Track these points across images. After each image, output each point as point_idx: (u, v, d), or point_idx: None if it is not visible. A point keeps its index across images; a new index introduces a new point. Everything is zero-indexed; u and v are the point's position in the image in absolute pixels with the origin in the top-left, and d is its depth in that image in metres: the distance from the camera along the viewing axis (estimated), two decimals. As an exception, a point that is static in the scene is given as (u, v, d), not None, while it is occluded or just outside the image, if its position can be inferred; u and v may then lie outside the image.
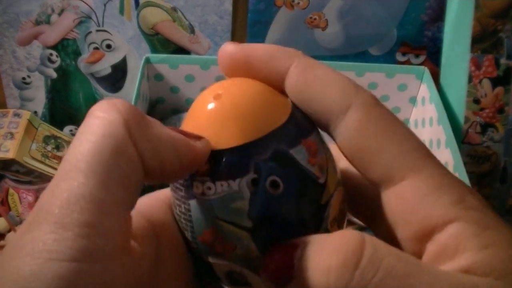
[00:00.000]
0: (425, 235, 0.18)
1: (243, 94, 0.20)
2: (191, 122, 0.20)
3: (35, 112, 0.75)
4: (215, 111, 0.19)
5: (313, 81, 0.19)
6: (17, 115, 0.70)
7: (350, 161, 0.20)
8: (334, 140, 0.20)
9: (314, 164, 0.19)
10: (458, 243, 0.17)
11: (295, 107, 0.20)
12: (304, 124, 0.20)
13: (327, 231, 0.20)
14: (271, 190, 0.19)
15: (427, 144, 0.62)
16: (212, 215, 0.19)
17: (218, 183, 0.19)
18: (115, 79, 0.74)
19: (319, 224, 0.20)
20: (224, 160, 0.19)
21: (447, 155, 0.55)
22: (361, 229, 0.63)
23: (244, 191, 0.19)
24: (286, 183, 0.19)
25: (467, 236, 0.17)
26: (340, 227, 0.21)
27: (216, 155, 0.19)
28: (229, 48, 0.20)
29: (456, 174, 0.53)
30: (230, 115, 0.19)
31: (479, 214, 0.17)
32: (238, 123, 0.19)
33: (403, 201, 0.18)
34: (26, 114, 0.70)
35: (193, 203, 0.19)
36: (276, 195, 0.19)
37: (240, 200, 0.19)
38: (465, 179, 0.51)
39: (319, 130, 0.21)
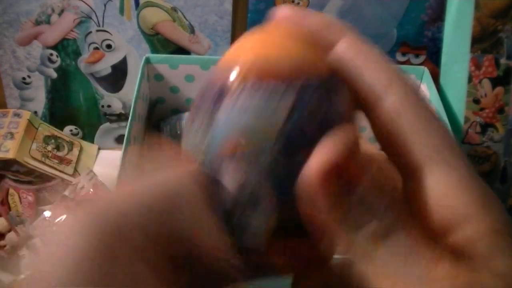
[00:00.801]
0: (446, 228, 0.18)
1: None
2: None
3: (35, 112, 0.75)
4: (284, 32, 0.21)
5: (360, 57, 0.20)
6: (17, 115, 0.70)
7: (384, 143, 0.19)
8: (370, 120, 0.19)
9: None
10: (471, 242, 0.17)
11: None
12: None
13: None
14: (316, 105, 0.19)
15: (427, 144, 0.62)
16: (247, 115, 0.19)
17: (265, 82, 0.19)
18: (115, 79, 0.74)
19: None
20: (283, 65, 0.19)
21: (447, 155, 0.55)
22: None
23: (290, 93, 0.19)
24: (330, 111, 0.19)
25: (480, 237, 0.17)
26: None
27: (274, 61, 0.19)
28: (287, 11, 0.21)
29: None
30: (295, 40, 0.20)
31: (499, 218, 0.18)
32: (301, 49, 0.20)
33: (437, 189, 0.18)
34: (26, 114, 0.70)
35: (224, 109, 0.19)
36: (320, 111, 0.19)
37: (284, 101, 0.19)
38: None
39: None
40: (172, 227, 0.17)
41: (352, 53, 0.20)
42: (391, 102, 0.19)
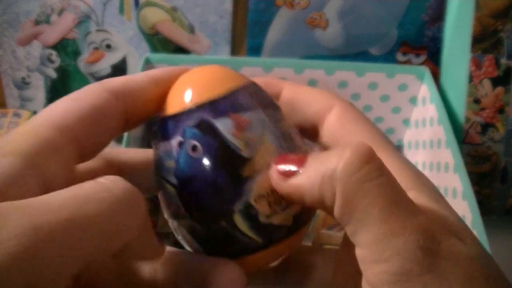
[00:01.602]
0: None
1: (197, 74, 0.25)
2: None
3: (35, 112, 0.75)
4: (174, 86, 0.24)
5: (302, 95, 0.25)
6: (17, 115, 0.70)
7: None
8: (320, 137, 0.25)
9: (239, 137, 0.22)
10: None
11: (249, 87, 0.24)
12: (246, 103, 0.23)
13: (248, 204, 0.21)
14: (191, 153, 0.21)
15: (427, 144, 0.62)
16: (158, 173, 0.23)
17: (162, 144, 0.22)
18: (115, 79, 0.74)
19: (238, 194, 0.21)
20: (165, 124, 0.23)
21: (448, 155, 0.55)
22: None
23: (173, 151, 0.22)
24: (204, 148, 0.21)
25: None
26: (275, 209, 0.22)
27: (161, 121, 0.23)
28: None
29: (457, 175, 0.52)
30: (178, 88, 0.24)
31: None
32: (180, 95, 0.23)
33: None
34: (26, 114, 0.70)
35: (154, 156, 0.23)
36: (195, 157, 0.21)
37: (170, 158, 0.22)
38: (466, 179, 0.51)
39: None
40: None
41: (294, 96, 0.25)
42: (335, 114, 0.24)
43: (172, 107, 0.23)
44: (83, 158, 0.21)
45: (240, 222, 0.21)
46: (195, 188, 0.21)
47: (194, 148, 0.21)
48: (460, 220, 0.20)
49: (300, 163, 0.21)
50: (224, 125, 0.22)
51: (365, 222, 0.19)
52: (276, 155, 0.23)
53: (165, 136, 0.22)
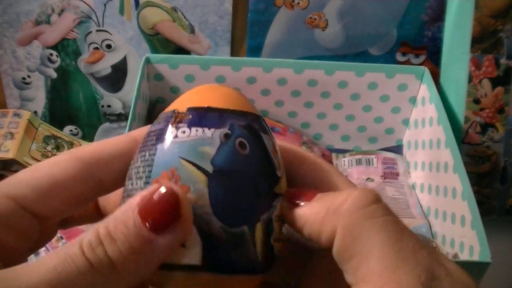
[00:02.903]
0: None
1: (230, 89, 0.25)
2: (188, 92, 0.24)
3: (35, 112, 0.75)
4: (212, 86, 0.25)
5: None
6: (17, 115, 0.70)
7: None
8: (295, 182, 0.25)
9: (276, 157, 0.23)
10: None
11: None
12: (269, 129, 0.24)
13: (271, 219, 0.22)
14: (238, 148, 0.22)
15: (427, 144, 0.62)
16: (177, 155, 0.22)
17: (194, 129, 0.22)
18: (115, 79, 0.74)
19: (268, 206, 0.22)
20: (206, 113, 0.23)
21: (447, 155, 0.55)
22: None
23: (215, 139, 0.22)
24: (251, 149, 0.22)
25: None
26: (281, 235, 0.23)
27: (200, 109, 0.23)
28: None
29: (456, 175, 0.53)
30: (219, 91, 0.24)
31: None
32: (223, 96, 0.24)
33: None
34: (26, 114, 0.70)
35: (161, 146, 0.22)
36: (242, 154, 0.22)
37: (209, 145, 0.22)
38: (465, 179, 0.51)
39: None
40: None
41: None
42: (309, 161, 0.25)
43: (214, 101, 0.23)
44: (44, 222, 0.22)
45: (259, 233, 0.22)
46: (232, 182, 0.21)
47: (242, 144, 0.22)
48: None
49: (310, 197, 0.22)
50: (267, 141, 0.23)
51: (367, 255, 0.19)
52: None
53: (204, 123, 0.22)
